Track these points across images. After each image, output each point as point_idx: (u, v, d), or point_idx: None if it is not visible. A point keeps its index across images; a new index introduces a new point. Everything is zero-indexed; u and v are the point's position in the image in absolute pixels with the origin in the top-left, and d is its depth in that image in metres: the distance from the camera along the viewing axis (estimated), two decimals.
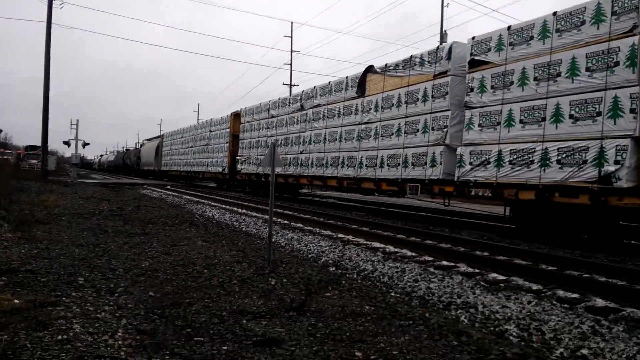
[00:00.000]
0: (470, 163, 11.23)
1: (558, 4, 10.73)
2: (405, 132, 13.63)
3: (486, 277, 6.51)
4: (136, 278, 6.01)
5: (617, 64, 8.46)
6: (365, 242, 9.27)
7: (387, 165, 14.28)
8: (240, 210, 15.48)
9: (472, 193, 11.39)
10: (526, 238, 10.10)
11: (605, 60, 8.63)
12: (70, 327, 4.01)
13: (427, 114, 12.83)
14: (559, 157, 9.26)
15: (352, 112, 16.35)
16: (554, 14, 9.67)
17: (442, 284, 6.30)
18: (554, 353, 4.21)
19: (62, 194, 18.80)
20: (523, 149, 9.98)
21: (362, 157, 15.54)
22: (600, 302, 5.29)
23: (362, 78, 15.91)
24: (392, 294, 6.06)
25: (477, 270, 6.87)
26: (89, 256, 7.08)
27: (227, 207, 16.58)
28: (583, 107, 8.96)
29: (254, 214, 14.29)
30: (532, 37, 10.05)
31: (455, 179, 11.67)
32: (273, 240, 7.98)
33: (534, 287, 5.94)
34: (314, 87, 19.20)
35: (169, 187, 29.70)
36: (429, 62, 12.92)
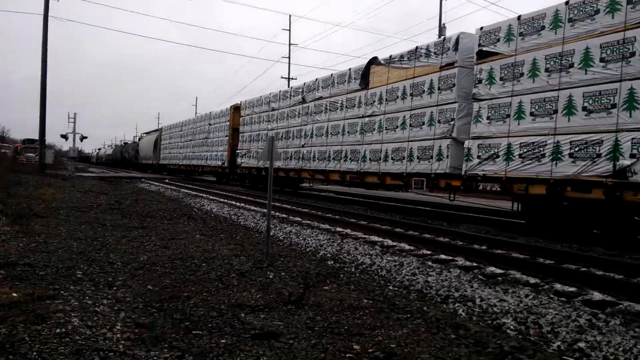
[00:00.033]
0: (479, 157, 10.96)
1: None
2: (410, 125, 13.35)
3: (484, 270, 6.53)
4: (134, 271, 6.02)
5: (632, 54, 8.16)
6: (363, 236, 9.28)
7: (392, 158, 14.01)
8: (238, 204, 15.48)
9: (480, 187, 11.13)
10: (534, 233, 9.92)
11: (621, 50, 8.32)
12: (69, 321, 4.01)
13: (433, 107, 12.56)
14: (572, 151, 9.00)
15: (355, 104, 16.07)
16: (566, 2, 9.36)
17: (440, 277, 6.32)
18: (551, 346, 4.22)
19: (59, 187, 18.77)
20: (534, 143, 9.71)
21: (365, 150, 15.28)
22: (597, 295, 5.31)
23: (365, 70, 15.57)
24: (390, 287, 6.07)
25: (474, 264, 6.89)
26: (87, 250, 7.08)
27: (226, 200, 16.58)
28: (597, 99, 8.67)
29: (252, 207, 14.29)
30: (543, 27, 9.75)
31: (463, 173, 11.41)
32: (271, 233, 7.99)
33: (532, 280, 5.97)
34: (316, 79, 18.93)
35: (167, 180, 29.68)
36: (435, 53, 12.63)
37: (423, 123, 12.89)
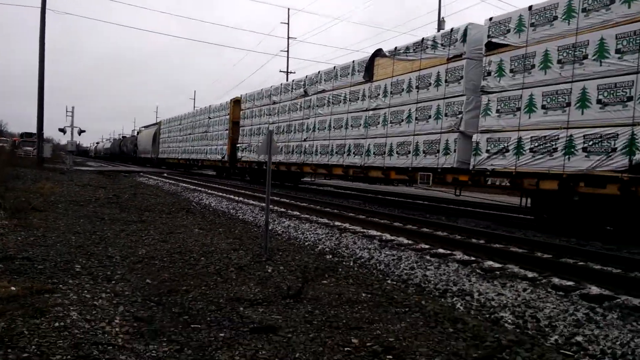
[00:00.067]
0: (487, 151, 10.73)
1: None
2: (416, 119, 13.10)
3: (482, 264, 6.55)
4: (133, 265, 6.02)
5: None
6: (362, 230, 9.29)
7: (397, 153, 13.78)
8: (237, 198, 15.47)
9: (489, 182, 10.93)
10: (544, 229, 9.77)
11: (638, 41, 8.09)
12: (68, 314, 4.02)
13: (440, 100, 12.31)
14: (585, 145, 8.75)
15: (359, 97, 15.81)
16: None
17: (438, 271, 6.33)
18: (549, 340, 4.24)
19: (58, 181, 18.74)
20: (545, 136, 9.46)
21: (369, 144, 15.03)
22: (595, 289, 5.33)
23: (369, 62, 15.31)
24: (389, 281, 6.08)
25: (473, 258, 6.90)
26: (86, 243, 7.08)
27: (224, 194, 16.57)
28: (612, 92, 8.42)
29: (251, 201, 14.29)
30: (555, 18, 9.49)
31: (471, 167, 11.17)
32: (270, 228, 7.99)
33: (530, 274, 5.98)
34: (319, 72, 18.66)
35: (165, 174, 29.65)
36: (442, 45, 12.36)
37: (429, 116, 12.62)
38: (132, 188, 18.44)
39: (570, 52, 9.18)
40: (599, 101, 8.64)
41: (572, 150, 8.98)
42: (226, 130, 27.67)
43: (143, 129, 58.46)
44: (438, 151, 12.21)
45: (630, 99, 8.18)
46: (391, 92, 14.21)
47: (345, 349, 3.70)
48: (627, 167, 8.12)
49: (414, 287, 5.86)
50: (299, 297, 4.96)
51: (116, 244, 7.28)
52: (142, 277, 5.50)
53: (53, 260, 5.89)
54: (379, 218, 10.89)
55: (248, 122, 24.93)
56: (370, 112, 15.14)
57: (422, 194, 20.25)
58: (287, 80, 37.91)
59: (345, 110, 16.55)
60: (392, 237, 8.53)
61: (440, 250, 7.44)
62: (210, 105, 31.47)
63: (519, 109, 10.10)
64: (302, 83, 19.72)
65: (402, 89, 13.73)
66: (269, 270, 6.15)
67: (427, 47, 12.90)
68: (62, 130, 33.43)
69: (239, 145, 25.68)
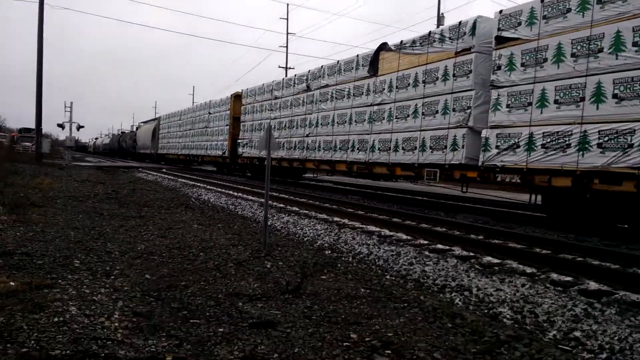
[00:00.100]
0: (497, 147, 10.45)
1: None
2: (422, 114, 12.78)
3: (481, 260, 6.56)
4: (132, 261, 6.02)
5: None
6: (360, 226, 9.30)
7: (403, 149, 13.46)
8: (236, 193, 15.47)
9: (499, 179, 10.60)
10: (556, 227, 9.60)
11: None
12: (67, 310, 4.02)
13: (447, 94, 12.00)
14: (600, 141, 8.46)
15: (363, 92, 15.49)
16: None
17: (437, 267, 6.34)
18: (547, 335, 4.25)
19: (56, 176, 18.72)
20: (558, 132, 9.19)
21: (374, 140, 14.73)
22: (593, 285, 5.34)
23: (374, 56, 14.98)
24: (388, 277, 6.09)
25: (471, 254, 6.91)
26: (85, 239, 7.08)
27: (223, 190, 16.57)
28: (629, 86, 8.15)
29: (250, 197, 14.29)
30: (569, 10, 9.20)
31: (480, 163, 10.87)
32: (269, 223, 8.00)
33: (528, 270, 5.99)
34: (321, 66, 18.33)
35: (164, 170, 29.62)
36: (450, 38, 12.05)
37: (436, 111, 12.34)
38: (131, 183, 18.43)
39: (584, 45, 8.88)
40: (614, 96, 8.36)
41: (587, 146, 8.71)
42: (227, 125, 27.43)
43: (142, 124, 58.41)
44: (445, 147, 11.97)
45: None
46: (397, 86, 13.90)
47: (344, 344, 3.71)
48: None
49: (412, 283, 5.87)
50: (298, 292, 4.96)
51: (115, 239, 7.28)
52: (141, 272, 5.51)
53: (52, 255, 5.89)
54: (377, 214, 10.89)
55: (249, 118, 24.64)
56: (375, 107, 14.84)
57: (421, 189, 20.27)
58: (285, 76, 37.82)
59: (349, 106, 16.25)
60: (391, 233, 8.54)
61: (439, 246, 7.45)
62: (210, 101, 31.20)
63: (530, 103, 9.85)
64: (305, 78, 19.43)
65: (408, 84, 13.43)
66: (268, 266, 6.16)
67: (435, 41, 12.60)
68: (61, 126, 33.42)
69: (239, 140, 25.44)
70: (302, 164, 19.58)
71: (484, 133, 10.85)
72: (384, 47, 14.81)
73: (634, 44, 8.16)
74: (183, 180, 21.46)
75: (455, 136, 11.74)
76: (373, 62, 15.04)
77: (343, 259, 7.02)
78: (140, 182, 20.22)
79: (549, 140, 9.40)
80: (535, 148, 9.66)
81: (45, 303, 4.10)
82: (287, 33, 44.17)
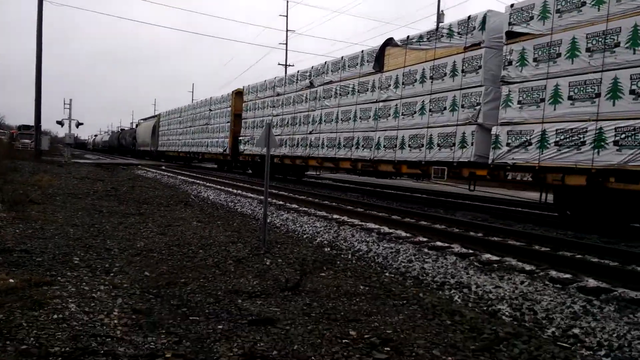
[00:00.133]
0: (508, 144, 10.18)
1: None
2: (430, 110, 12.49)
3: (480, 257, 6.56)
4: (131, 258, 6.02)
5: None
6: (360, 223, 9.30)
7: (409, 146, 13.17)
8: (235, 191, 15.47)
9: (509, 177, 10.33)
10: (569, 227, 9.43)
11: None
12: (66, 307, 4.02)
13: (456, 90, 11.72)
14: (617, 138, 8.20)
15: (368, 89, 15.17)
16: None
17: (436, 264, 6.34)
18: (546, 332, 4.26)
19: (56, 174, 18.72)
20: (572, 129, 8.92)
21: (379, 137, 14.43)
22: (592, 282, 5.35)
23: (379, 52, 14.61)
24: (387, 274, 6.10)
25: (470, 251, 6.92)
26: (84, 236, 7.08)
27: (222, 187, 16.57)
28: None
29: (250, 194, 14.29)
30: (584, 3, 8.95)
31: (489, 161, 10.58)
32: (268, 220, 8.00)
33: (527, 267, 6.00)
34: (325, 62, 18.02)
35: (163, 167, 29.62)
36: (458, 33, 11.76)
37: (444, 108, 12.06)
38: (130, 181, 18.43)
39: (600, 39, 8.60)
40: (632, 92, 8.11)
41: (602, 143, 8.42)
42: (228, 122, 27.13)
43: (142, 121, 58.29)
44: (454, 144, 11.69)
45: None
46: (403, 82, 13.61)
47: (343, 341, 3.71)
48: None
49: (412, 280, 5.87)
50: (297, 289, 4.97)
51: (114, 236, 7.29)
52: (140, 269, 5.51)
53: (51, 252, 5.89)
54: (377, 211, 10.90)
55: (251, 115, 24.35)
56: (381, 104, 14.54)
57: (421, 187, 20.27)
58: (285, 73, 37.73)
59: (353, 102, 15.93)
60: (390, 230, 8.54)
61: (438, 243, 7.45)
62: (211, 97, 30.85)
63: (543, 100, 9.57)
64: (308, 74, 19.13)
65: (415, 80, 13.16)
66: (267, 263, 6.16)
67: (443, 36, 12.32)
68: (60, 123, 33.44)
69: (241, 138, 25.14)
70: (305, 162, 19.33)
71: (494, 130, 10.62)
72: (389, 42, 14.45)
73: None
74: (182, 177, 21.46)
75: (464, 133, 11.47)
76: (378, 57, 14.75)
77: (342, 256, 7.02)
78: (139, 179, 20.22)
79: (562, 137, 9.15)
80: (548, 146, 9.41)
81: (45, 300, 4.10)
82: (287, 30, 44.14)
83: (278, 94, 21.64)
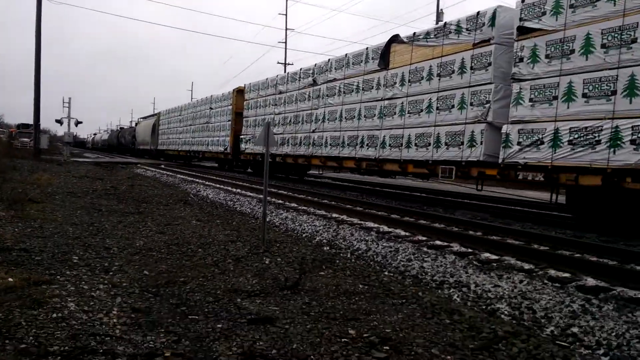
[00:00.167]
0: (519, 143, 9.92)
1: None
2: (437, 108, 12.25)
3: (479, 256, 6.57)
4: (130, 257, 6.02)
5: None
6: (359, 222, 9.30)
7: (415, 145, 12.92)
8: (235, 189, 15.46)
9: (520, 177, 10.09)
10: (583, 228, 9.27)
11: None
12: (65, 306, 4.02)
13: (464, 88, 11.48)
14: (634, 137, 7.94)
15: (373, 86, 14.87)
16: None
17: (435, 263, 6.35)
18: (545, 331, 4.27)
19: (55, 172, 18.70)
20: (587, 127, 8.64)
21: (385, 136, 14.17)
22: (591, 281, 5.35)
23: (385, 49, 14.34)
24: (386, 273, 6.10)
25: (470, 250, 6.92)
26: (83, 235, 7.07)
27: (222, 186, 16.56)
28: None
29: (249, 193, 14.28)
30: None
31: (500, 161, 10.33)
32: (267, 219, 8.00)
33: (526, 266, 6.00)
34: (329, 60, 17.78)
35: (162, 166, 29.61)
36: (467, 29, 11.52)
37: (452, 106, 11.81)
38: (129, 179, 18.42)
39: (616, 35, 8.34)
40: None
41: (619, 142, 8.15)
42: (229, 121, 26.90)
43: (142, 120, 58.18)
44: (462, 143, 11.42)
45: None
46: (409, 80, 13.35)
47: (343, 339, 3.72)
48: None
49: (411, 279, 5.88)
50: (297, 288, 4.97)
51: (114, 235, 7.28)
52: (139, 268, 5.51)
53: (50, 251, 5.89)
54: (376, 210, 10.90)
55: (252, 113, 24.09)
56: (386, 102, 14.27)
57: (420, 186, 20.29)
58: (284, 71, 37.69)
59: (358, 100, 15.66)
60: (390, 229, 8.54)
61: (438, 242, 7.46)
62: (212, 95, 30.59)
63: (555, 97, 9.30)
64: (311, 72, 18.87)
65: (422, 77, 12.89)
66: (267, 262, 6.16)
67: (450, 32, 12.05)
68: (59, 122, 33.44)
69: (242, 136, 24.92)
70: (308, 161, 19.11)
71: (504, 129, 10.35)
72: (395, 39, 14.17)
73: None
74: (181, 176, 21.45)
75: (473, 132, 11.22)
76: (384, 55, 14.47)
77: (341, 255, 7.02)
78: (138, 177, 20.21)
79: (576, 136, 8.88)
80: (561, 144, 9.14)
81: (44, 299, 4.10)
82: (286, 29, 44.10)
83: (280, 92, 21.38)
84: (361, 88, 15.56)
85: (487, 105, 10.92)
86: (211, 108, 30.03)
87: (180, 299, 4.50)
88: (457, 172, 11.59)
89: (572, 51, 9.08)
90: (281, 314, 4.23)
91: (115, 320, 3.82)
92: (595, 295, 4.92)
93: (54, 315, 3.79)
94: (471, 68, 11.38)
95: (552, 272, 5.74)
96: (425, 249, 7.04)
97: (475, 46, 11.31)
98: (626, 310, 4.53)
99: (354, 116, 15.82)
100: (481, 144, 10.97)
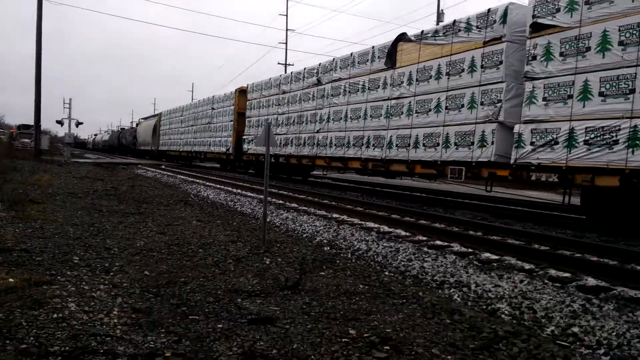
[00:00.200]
0: (532, 143, 9.66)
1: None
2: (446, 108, 11.99)
3: (479, 256, 6.57)
4: (131, 257, 6.03)
5: None
6: (359, 222, 9.31)
7: (424, 145, 12.67)
8: (235, 190, 15.47)
9: (533, 178, 9.83)
10: (599, 231, 9.10)
11: None
12: (66, 306, 4.03)
13: (474, 87, 11.24)
14: None
15: (379, 86, 14.63)
16: None
17: (435, 263, 6.35)
18: (545, 331, 4.27)
19: (55, 173, 18.71)
20: (604, 127, 8.40)
21: (391, 136, 13.94)
22: (591, 281, 5.35)
23: (392, 48, 14.10)
24: (386, 273, 6.10)
25: (470, 250, 6.92)
26: (84, 235, 7.08)
27: (222, 187, 16.57)
28: None
29: (249, 194, 14.29)
30: None
31: (512, 161, 10.09)
32: (268, 220, 8.01)
33: (527, 266, 6.01)
34: (333, 59, 17.51)
35: (163, 167, 29.62)
36: (477, 27, 11.28)
37: (462, 105, 11.57)
38: (130, 180, 18.43)
39: (634, 32, 8.08)
40: None
41: (637, 142, 7.94)
42: (231, 121, 26.69)
43: (143, 120, 58.16)
44: (472, 143, 11.17)
45: None
46: (417, 79, 13.11)
47: (343, 339, 3.72)
48: None
49: (411, 279, 5.88)
50: (297, 288, 4.97)
51: (114, 235, 7.29)
52: (140, 268, 5.51)
53: (51, 252, 5.89)
54: (376, 210, 10.90)
55: (255, 113, 23.85)
56: (393, 102, 14.02)
57: (419, 186, 20.28)
58: (284, 72, 37.67)
59: (363, 100, 15.43)
60: (390, 229, 8.55)
61: (438, 242, 7.46)
62: (214, 96, 30.34)
63: (570, 96, 9.04)
64: (315, 71, 18.55)
65: (430, 76, 12.65)
66: (267, 262, 6.16)
67: (460, 30, 11.80)
68: (60, 122, 33.41)
69: (245, 137, 24.65)
70: (312, 161, 18.90)
71: (516, 128, 10.08)
72: (402, 37, 13.91)
73: None
74: (182, 176, 21.46)
75: (483, 131, 10.97)
76: (390, 53, 14.13)
77: (342, 255, 7.03)
78: (139, 178, 20.22)
79: (592, 136, 8.62)
80: (576, 145, 8.89)
81: (44, 299, 4.10)
82: (287, 29, 44.10)
83: (284, 92, 21.14)
84: (367, 87, 15.33)
85: (499, 105, 10.68)
86: (213, 108, 29.84)
87: (180, 299, 4.50)
88: (467, 173, 11.38)
89: (588, 49, 8.85)
90: (282, 314, 4.23)
91: (115, 321, 3.83)
92: (596, 295, 4.92)
93: (55, 315, 3.80)
94: (482, 66, 11.14)
95: (552, 272, 5.74)
96: (425, 249, 7.04)
97: (486, 44, 11.06)
98: (627, 310, 4.53)
99: (360, 116, 15.60)
100: (492, 144, 10.73)
